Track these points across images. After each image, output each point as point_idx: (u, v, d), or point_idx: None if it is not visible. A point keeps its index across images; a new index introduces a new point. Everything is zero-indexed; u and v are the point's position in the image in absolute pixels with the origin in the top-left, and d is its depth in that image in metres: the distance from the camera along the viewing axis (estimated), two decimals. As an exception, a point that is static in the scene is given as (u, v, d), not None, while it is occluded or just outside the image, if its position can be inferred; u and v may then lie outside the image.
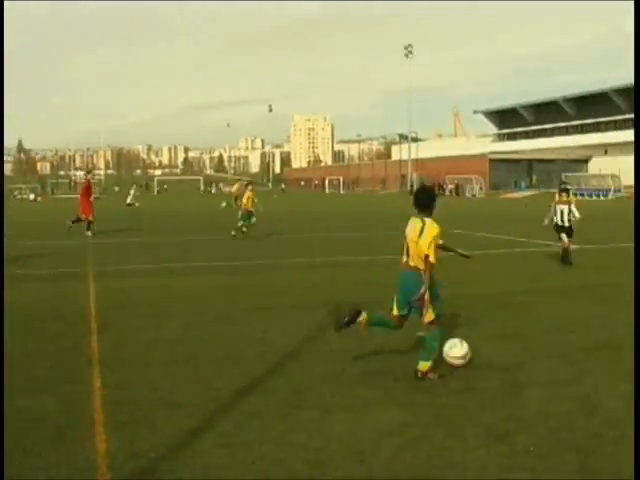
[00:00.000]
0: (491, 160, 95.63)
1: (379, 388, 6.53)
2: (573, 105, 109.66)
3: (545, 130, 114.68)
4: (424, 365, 6.81)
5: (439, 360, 6.97)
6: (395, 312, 7.14)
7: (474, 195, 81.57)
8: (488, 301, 11.22)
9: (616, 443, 5.17)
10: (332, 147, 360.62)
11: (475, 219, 34.49)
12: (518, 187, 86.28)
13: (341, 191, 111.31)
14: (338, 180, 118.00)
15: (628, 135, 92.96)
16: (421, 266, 6.84)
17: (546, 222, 16.44)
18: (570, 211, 16.07)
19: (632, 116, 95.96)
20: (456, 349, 7.19)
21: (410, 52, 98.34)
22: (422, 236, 6.83)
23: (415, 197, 7.14)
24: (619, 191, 68.83)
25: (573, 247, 16.19)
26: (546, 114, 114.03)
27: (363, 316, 7.08)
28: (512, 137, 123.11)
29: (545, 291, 12.27)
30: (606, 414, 5.79)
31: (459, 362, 7.14)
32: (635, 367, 6.35)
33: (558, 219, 16.08)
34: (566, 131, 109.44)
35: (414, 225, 6.98)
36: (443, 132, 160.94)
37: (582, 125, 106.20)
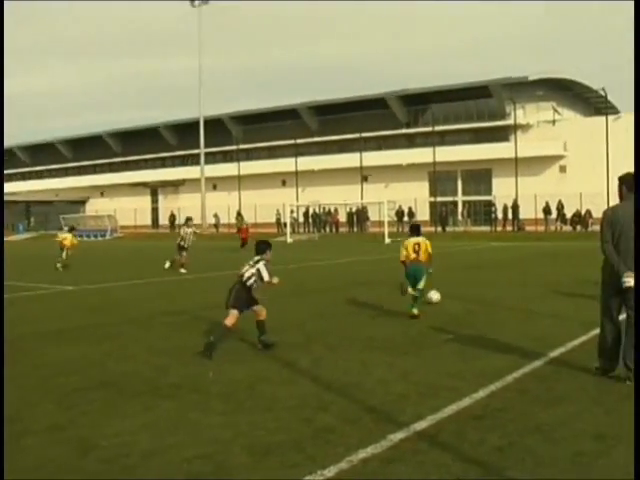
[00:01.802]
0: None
1: None
2: (70, 147, 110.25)
3: (42, 172, 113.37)
4: (416, 310, 13.03)
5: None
6: (411, 291, 13.22)
7: (-33, 239, 77.30)
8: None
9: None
10: None
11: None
12: (16, 230, 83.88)
13: None
14: None
15: (123, 177, 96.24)
16: (423, 260, 13.33)
17: None
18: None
19: (127, 159, 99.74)
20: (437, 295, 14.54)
21: None
22: (426, 246, 13.38)
23: (413, 229, 14.07)
24: (116, 231, 70.77)
25: (70, 288, 16.19)
26: (43, 156, 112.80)
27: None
28: (9, 179, 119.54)
29: (42, 334, 12.05)
30: (101, 452, 5.88)
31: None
32: (635, 368, 6.68)
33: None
34: (64, 173, 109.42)
35: (420, 241, 13.43)
36: None
37: (79, 167, 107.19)
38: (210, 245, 40.96)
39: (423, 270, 13.27)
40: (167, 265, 25.05)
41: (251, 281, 10.08)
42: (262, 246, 10.45)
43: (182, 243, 25.37)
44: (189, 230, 25.93)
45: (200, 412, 7.02)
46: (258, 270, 10.14)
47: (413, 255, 13.28)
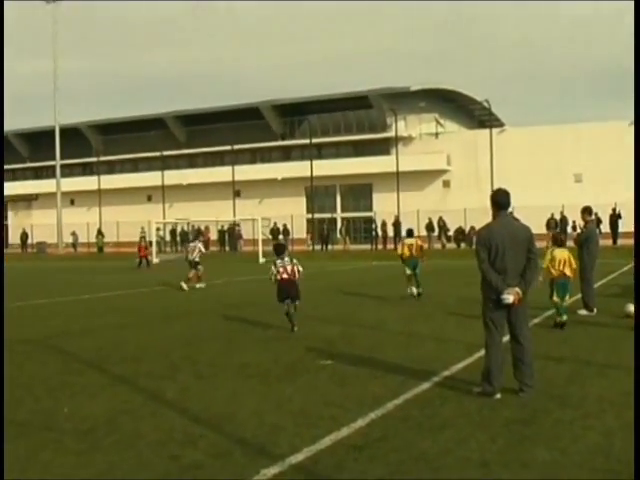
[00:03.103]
0: None
1: None
2: None
3: None
4: (419, 289, 19.93)
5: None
6: (408, 272, 19.68)
7: None
8: None
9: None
10: None
11: None
12: None
13: None
14: None
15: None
16: (417, 255, 19.99)
17: None
18: None
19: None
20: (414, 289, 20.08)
21: None
22: (419, 245, 20.31)
23: (409, 233, 21.28)
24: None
25: None
26: None
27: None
28: None
29: None
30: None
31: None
32: (635, 369, 7.06)
33: None
34: None
35: (414, 241, 20.32)
36: None
37: None
38: (92, 266, 39.84)
39: (417, 261, 19.81)
40: (185, 286, 25.04)
41: (299, 275, 14.03)
42: (282, 247, 14.67)
43: (193, 258, 26.12)
44: (194, 244, 27.08)
45: (52, 452, 6.79)
46: (295, 264, 13.97)
47: (408, 253, 19.73)
